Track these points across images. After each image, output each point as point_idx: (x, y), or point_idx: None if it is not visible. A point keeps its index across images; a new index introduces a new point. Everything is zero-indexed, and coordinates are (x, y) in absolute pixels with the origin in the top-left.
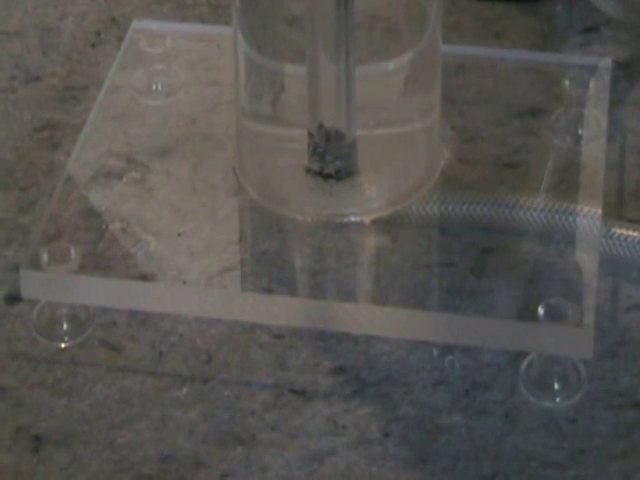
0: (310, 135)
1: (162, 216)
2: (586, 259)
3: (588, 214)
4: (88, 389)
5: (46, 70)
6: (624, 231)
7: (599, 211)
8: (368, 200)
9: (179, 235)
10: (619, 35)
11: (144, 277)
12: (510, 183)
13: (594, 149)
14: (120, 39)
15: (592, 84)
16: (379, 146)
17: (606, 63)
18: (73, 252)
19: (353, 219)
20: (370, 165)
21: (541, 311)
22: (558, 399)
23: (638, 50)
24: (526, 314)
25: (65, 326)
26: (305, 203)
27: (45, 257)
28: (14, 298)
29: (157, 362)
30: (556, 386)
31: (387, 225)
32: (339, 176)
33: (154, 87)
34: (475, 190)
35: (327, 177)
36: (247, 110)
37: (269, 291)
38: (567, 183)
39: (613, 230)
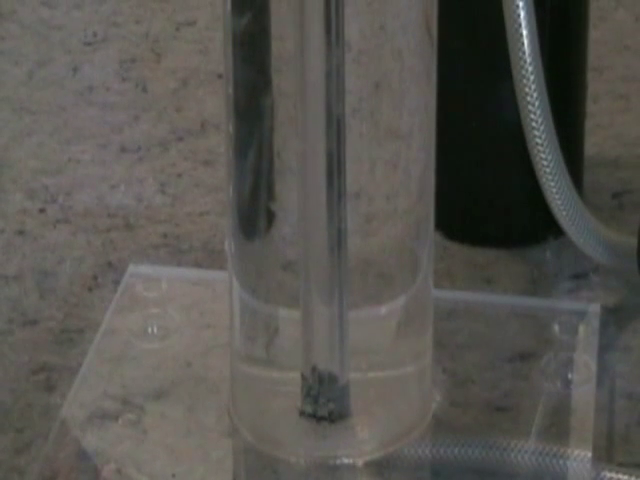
0: (303, 377)
1: (157, 457)
2: None
3: (578, 457)
4: None
5: (43, 313)
6: (614, 475)
7: (589, 454)
8: (360, 442)
9: (173, 476)
10: (607, 281)
11: None
12: (501, 426)
13: (584, 393)
14: (116, 283)
15: (581, 329)
16: (372, 389)
17: (595, 308)
18: None
19: (346, 461)
20: (363, 407)
21: None
22: None
23: (626, 296)
24: None
25: None
26: (298, 445)
27: None
28: None
29: None
30: None
31: (379, 467)
32: (332, 418)
33: (150, 330)
34: (467, 433)
35: (320, 419)
36: (241, 353)
37: None
38: (557, 426)
39: (603, 474)
